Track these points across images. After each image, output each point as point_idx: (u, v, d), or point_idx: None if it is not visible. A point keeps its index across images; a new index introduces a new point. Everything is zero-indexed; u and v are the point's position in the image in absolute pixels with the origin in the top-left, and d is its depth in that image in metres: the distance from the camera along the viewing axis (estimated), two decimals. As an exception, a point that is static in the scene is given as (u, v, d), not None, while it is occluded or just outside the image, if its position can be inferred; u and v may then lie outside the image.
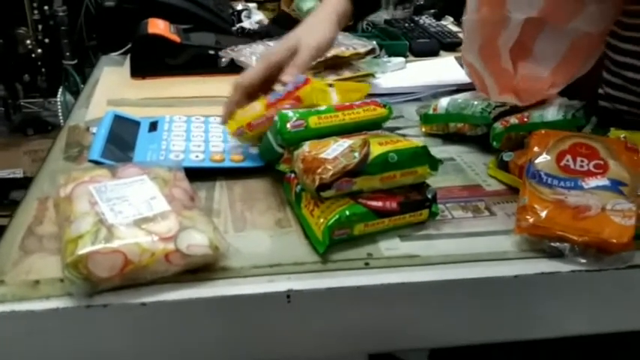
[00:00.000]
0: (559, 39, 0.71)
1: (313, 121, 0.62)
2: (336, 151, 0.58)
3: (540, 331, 0.59)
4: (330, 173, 0.55)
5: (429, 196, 0.60)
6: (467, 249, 0.58)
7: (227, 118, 0.74)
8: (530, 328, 0.59)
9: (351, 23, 0.92)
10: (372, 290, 0.53)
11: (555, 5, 0.67)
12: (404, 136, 0.64)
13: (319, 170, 0.55)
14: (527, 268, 0.55)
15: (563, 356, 0.82)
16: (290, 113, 0.62)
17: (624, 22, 0.71)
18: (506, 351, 0.86)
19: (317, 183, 0.55)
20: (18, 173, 1.92)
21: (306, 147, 0.60)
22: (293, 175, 0.62)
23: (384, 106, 0.66)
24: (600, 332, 0.60)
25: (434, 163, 0.60)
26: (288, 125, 0.61)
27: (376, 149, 0.57)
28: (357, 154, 0.56)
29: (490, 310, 0.57)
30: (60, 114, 1.84)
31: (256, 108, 0.68)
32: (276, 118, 0.62)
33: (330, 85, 0.69)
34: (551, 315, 0.58)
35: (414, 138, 0.65)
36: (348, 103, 0.66)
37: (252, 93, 0.75)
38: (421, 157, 0.59)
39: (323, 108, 0.64)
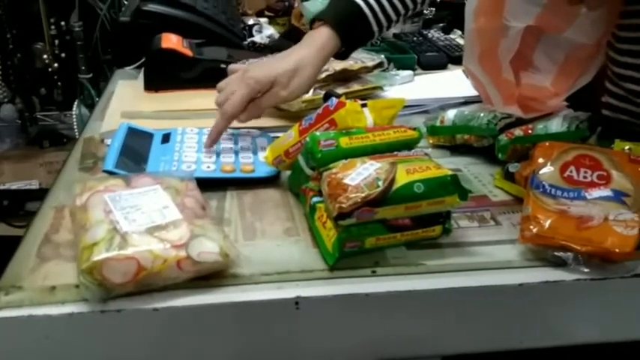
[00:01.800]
0: (556, 49, 0.73)
1: (344, 142, 0.62)
2: (360, 175, 0.57)
3: (545, 340, 0.60)
4: (350, 203, 0.54)
5: (443, 212, 0.60)
6: (472, 258, 0.59)
7: (214, 144, 0.77)
8: (535, 336, 0.59)
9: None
10: (379, 298, 0.54)
11: (551, 13, 0.70)
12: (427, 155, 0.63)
13: (340, 198, 0.55)
14: (531, 277, 0.56)
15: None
16: (321, 134, 0.63)
17: (620, 36, 0.73)
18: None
19: (336, 212, 0.55)
20: (34, 184, 1.95)
21: (334, 169, 0.59)
22: (309, 187, 0.63)
23: (415, 129, 0.66)
24: (606, 341, 0.61)
25: (463, 193, 0.58)
26: (320, 145, 0.61)
27: (402, 178, 0.56)
28: (380, 183, 0.56)
29: (495, 318, 0.58)
30: (75, 127, 1.88)
31: (291, 136, 0.69)
32: (307, 139, 0.63)
33: (364, 105, 0.68)
34: (556, 323, 0.59)
35: (422, 150, 0.65)
36: (379, 126, 0.66)
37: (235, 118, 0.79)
38: (449, 186, 0.57)
39: (354, 130, 0.64)
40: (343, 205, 0.55)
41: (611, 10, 0.71)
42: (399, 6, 0.87)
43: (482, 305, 0.57)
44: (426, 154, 0.63)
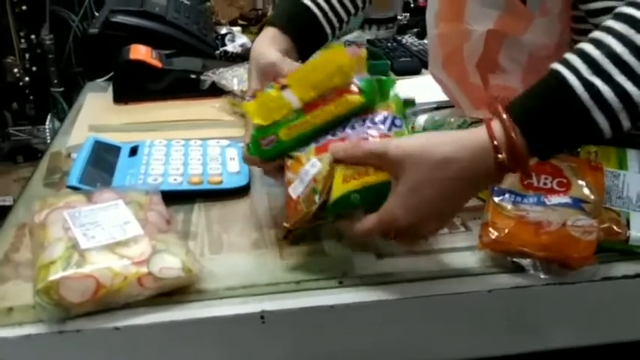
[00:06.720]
0: (518, 51, 0.73)
1: (283, 133, 0.59)
2: (303, 182, 0.57)
3: (518, 346, 0.59)
4: (292, 222, 0.58)
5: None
6: (441, 265, 0.58)
7: None
8: (508, 342, 0.59)
9: None
10: (346, 309, 0.54)
11: (508, 17, 0.70)
12: None
13: (286, 217, 0.59)
14: (501, 283, 0.56)
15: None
16: (257, 132, 0.61)
17: (579, 29, 0.73)
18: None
19: (282, 235, 0.60)
20: (8, 201, 1.92)
21: (288, 162, 0.60)
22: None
23: (360, 90, 0.58)
24: (579, 345, 0.60)
25: None
26: (262, 145, 0.60)
27: (338, 187, 0.55)
28: (317, 198, 0.55)
29: (466, 325, 0.57)
30: (49, 141, 1.85)
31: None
32: (249, 141, 0.62)
33: (284, 87, 0.60)
34: (528, 328, 0.58)
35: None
36: (316, 102, 0.59)
37: None
38: (388, 192, 0.54)
39: (291, 116, 0.60)
40: (286, 225, 0.58)
41: (561, 14, 0.71)
42: (349, 5, 0.80)
43: (452, 313, 0.56)
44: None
